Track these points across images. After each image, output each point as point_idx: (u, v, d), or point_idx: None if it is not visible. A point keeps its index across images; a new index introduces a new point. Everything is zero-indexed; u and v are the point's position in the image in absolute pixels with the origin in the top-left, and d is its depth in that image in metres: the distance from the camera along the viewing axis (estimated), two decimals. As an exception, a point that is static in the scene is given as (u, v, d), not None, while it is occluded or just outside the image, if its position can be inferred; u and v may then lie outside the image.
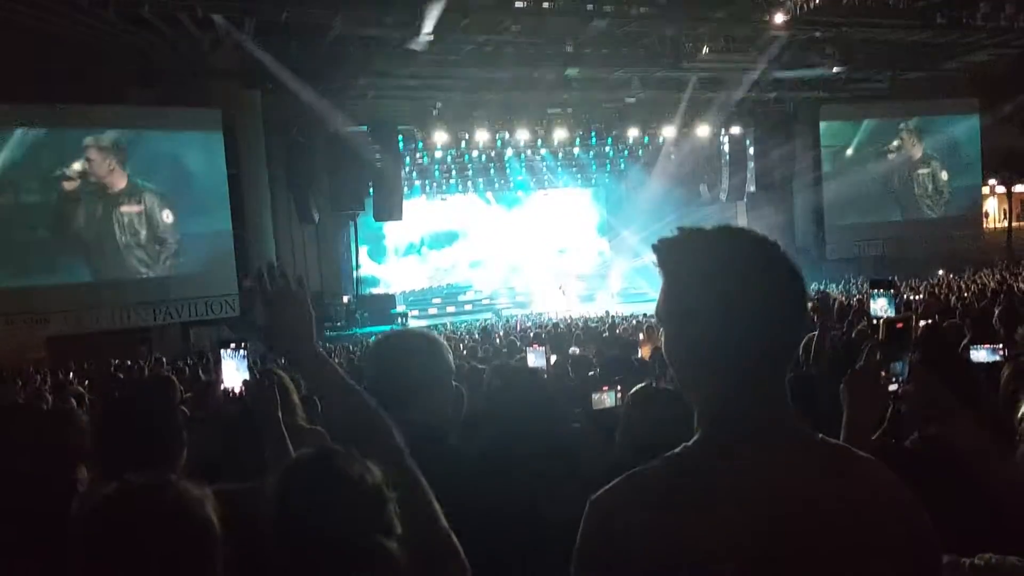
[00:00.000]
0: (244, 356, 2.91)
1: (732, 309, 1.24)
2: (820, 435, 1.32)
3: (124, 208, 20.59)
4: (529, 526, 1.98)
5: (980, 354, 4.14)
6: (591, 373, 5.90)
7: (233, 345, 2.94)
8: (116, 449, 2.43)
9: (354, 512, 1.48)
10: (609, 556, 1.23)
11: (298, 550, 1.46)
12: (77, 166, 19.87)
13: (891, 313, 3.64)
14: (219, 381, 2.94)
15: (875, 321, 3.73)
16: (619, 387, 4.03)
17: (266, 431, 2.66)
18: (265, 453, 2.62)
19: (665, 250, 1.32)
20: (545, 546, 1.94)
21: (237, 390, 2.85)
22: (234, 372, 2.89)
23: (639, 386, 2.56)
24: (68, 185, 19.80)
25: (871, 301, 3.52)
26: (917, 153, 28.83)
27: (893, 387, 1.90)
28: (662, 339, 1.36)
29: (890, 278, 3.67)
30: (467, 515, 1.76)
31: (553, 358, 7.40)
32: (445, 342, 2.33)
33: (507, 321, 23.71)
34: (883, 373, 1.91)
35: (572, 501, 2.15)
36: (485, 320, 24.44)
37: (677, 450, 1.29)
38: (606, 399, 4.07)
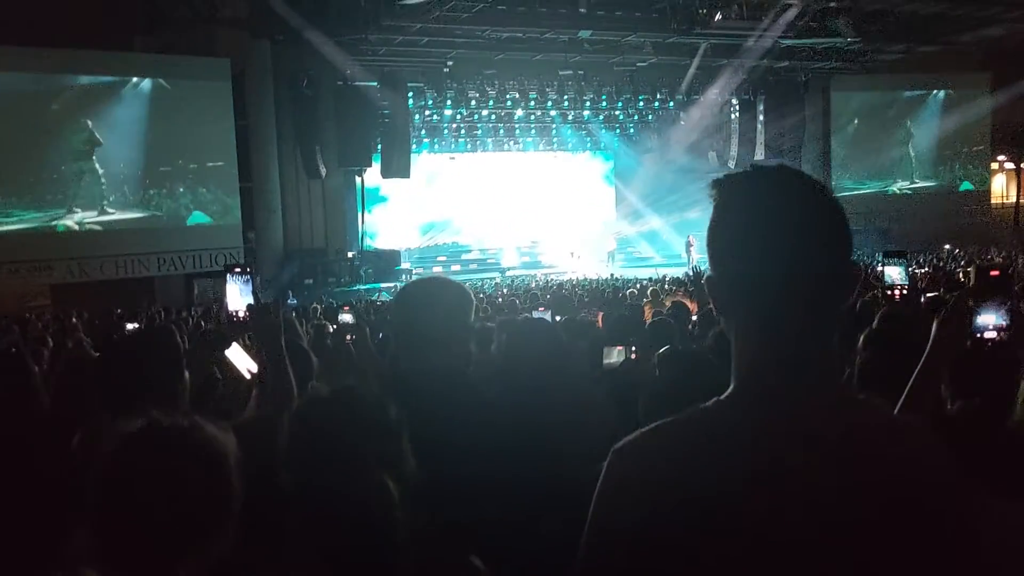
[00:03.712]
0: (248, 280, 2.93)
1: (772, 249, 1.19)
2: (862, 395, 1.28)
3: (125, 158, 20.53)
4: (543, 474, 2.00)
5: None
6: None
7: (238, 269, 2.97)
8: (119, 387, 2.45)
9: (357, 445, 1.52)
10: (629, 506, 1.21)
11: (307, 476, 1.51)
12: (83, 118, 19.82)
13: (904, 280, 3.76)
14: (225, 304, 2.98)
15: (889, 290, 3.85)
16: (633, 347, 4.02)
17: (268, 356, 2.68)
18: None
19: (716, 187, 1.27)
20: (556, 497, 1.97)
21: (241, 314, 2.89)
22: (238, 296, 2.92)
23: (664, 349, 2.57)
24: (74, 133, 19.73)
25: (885, 268, 3.63)
26: (927, 127, 28.63)
27: (991, 335, 1.85)
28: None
29: (903, 250, 3.75)
30: (484, 458, 1.80)
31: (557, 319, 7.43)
32: (470, 292, 2.33)
33: (511, 282, 23.73)
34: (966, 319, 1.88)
35: (581, 457, 2.21)
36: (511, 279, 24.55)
37: (708, 403, 1.25)
38: (614, 355, 4.06)
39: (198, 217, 21.63)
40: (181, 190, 21.42)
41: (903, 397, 1.96)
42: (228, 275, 2.94)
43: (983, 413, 2.38)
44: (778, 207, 1.21)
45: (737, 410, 1.22)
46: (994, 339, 1.87)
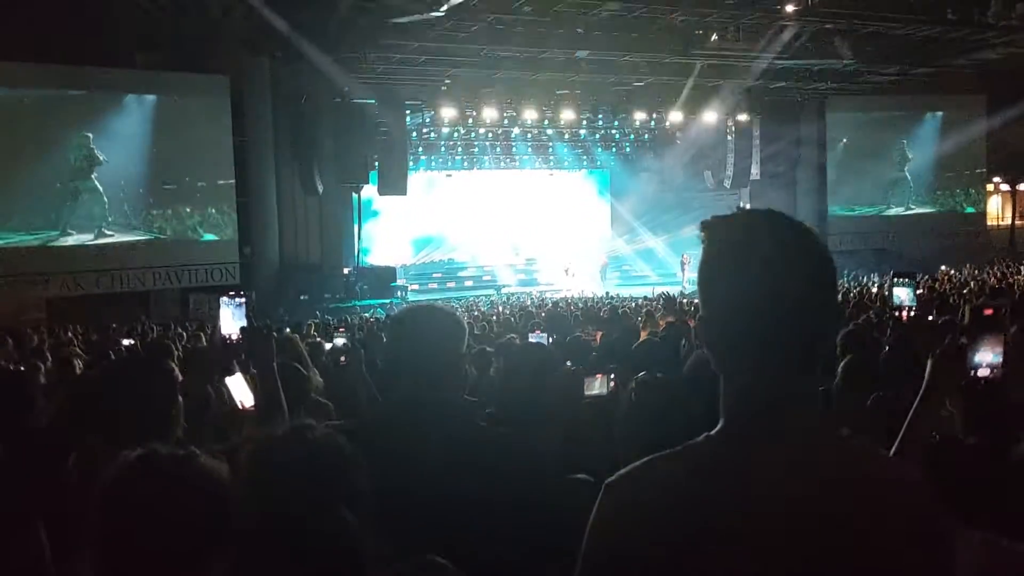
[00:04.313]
0: (241, 304, 2.98)
1: (763, 295, 1.23)
2: (845, 432, 1.32)
3: (126, 175, 20.47)
4: (535, 505, 2.02)
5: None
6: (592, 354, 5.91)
7: (232, 293, 3.02)
8: (113, 411, 2.48)
9: (314, 487, 1.54)
10: (622, 540, 1.24)
11: (263, 521, 1.53)
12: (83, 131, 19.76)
13: (913, 302, 3.83)
14: (218, 327, 3.02)
15: (897, 311, 3.93)
16: (612, 376, 3.98)
17: (260, 378, 2.72)
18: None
19: (705, 229, 1.32)
20: (548, 528, 2.00)
21: (234, 337, 2.93)
22: (231, 320, 2.96)
23: (641, 375, 2.57)
24: (71, 149, 19.68)
25: (894, 290, 3.70)
26: (924, 149, 28.76)
27: (984, 372, 1.91)
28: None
29: (887, 282, 3.83)
30: (475, 488, 1.85)
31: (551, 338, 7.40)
32: (462, 320, 2.35)
33: (507, 299, 23.75)
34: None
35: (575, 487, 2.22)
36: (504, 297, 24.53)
37: (699, 439, 1.28)
38: (596, 384, 4.01)
39: (209, 238, 21.64)
40: (188, 210, 21.37)
41: (903, 429, 1.98)
42: (222, 299, 2.98)
43: (995, 448, 2.41)
44: (765, 249, 1.25)
45: (729, 445, 1.26)
46: (988, 376, 1.91)
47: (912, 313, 3.93)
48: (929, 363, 2.00)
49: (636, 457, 1.32)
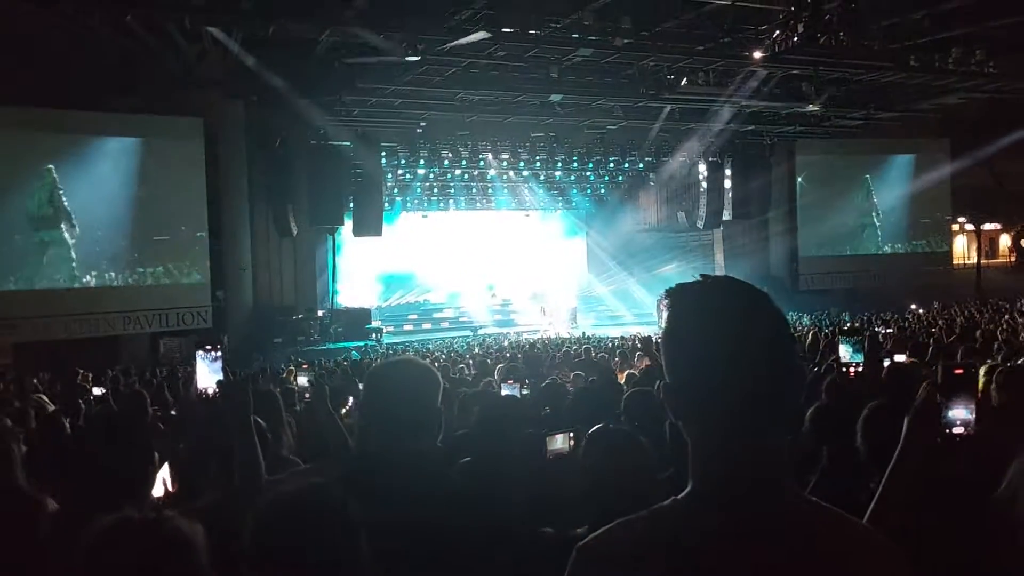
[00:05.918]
0: (217, 358, 2.97)
1: (723, 358, 1.26)
2: (813, 499, 1.32)
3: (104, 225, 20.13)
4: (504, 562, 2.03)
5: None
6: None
7: (208, 347, 3.00)
8: (87, 475, 2.46)
9: (330, 551, 1.59)
10: None
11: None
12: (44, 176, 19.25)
13: (856, 359, 3.84)
14: (194, 382, 3.01)
15: (845, 368, 3.94)
16: (571, 432, 3.99)
17: (237, 433, 2.71)
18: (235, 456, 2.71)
19: (668, 297, 1.34)
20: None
21: (211, 391, 2.91)
22: (207, 374, 2.95)
23: (596, 427, 2.59)
24: (35, 191, 19.22)
25: (840, 347, 3.72)
26: (890, 192, 29.29)
27: (959, 430, 1.94)
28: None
29: (860, 321, 3.84)
30: (445, 544, 1.85)
31: (526, 382, 7.37)
32: (438, 374, 2.37)
33: (483, 340, 23.71)
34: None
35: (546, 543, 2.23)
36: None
37: (667, 503, 1.31)
38: (558, 441, 3.99)
39: (165, 275, 21.30)
40: (187, 262, 21.13)
41: (879, 490, 1.98)
42: (197, 353, 2.97)
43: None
44: (727, 318, 1.29)
45: (695, 511, 1.28)
46: (962, 434, 1.94)
47: (859, 369, 3.93)
48: (906, 421, 2.01)
49: (595, 508, 1.33)
